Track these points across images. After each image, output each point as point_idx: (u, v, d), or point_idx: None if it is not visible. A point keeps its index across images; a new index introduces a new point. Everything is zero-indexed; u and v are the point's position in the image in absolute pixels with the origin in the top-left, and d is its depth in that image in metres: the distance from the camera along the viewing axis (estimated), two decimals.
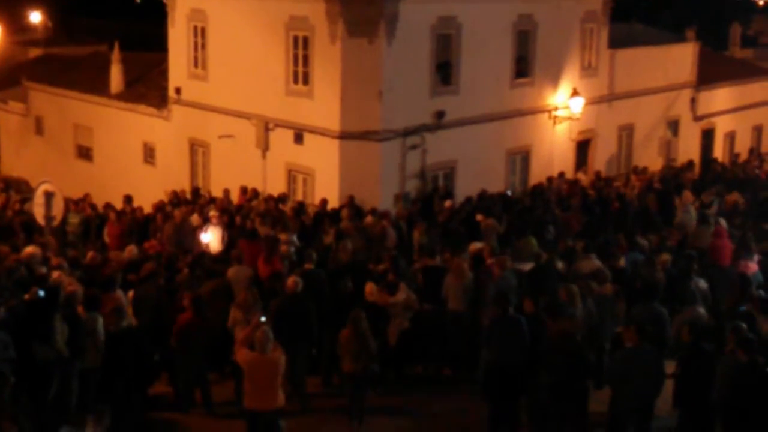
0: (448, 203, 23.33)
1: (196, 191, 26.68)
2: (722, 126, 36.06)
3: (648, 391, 11.85)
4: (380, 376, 14.41)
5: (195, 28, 28.22)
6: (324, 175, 24.57)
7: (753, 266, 18.08)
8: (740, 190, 25.47)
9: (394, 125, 24.08)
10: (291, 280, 14.84)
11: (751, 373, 10.75)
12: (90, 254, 18.03)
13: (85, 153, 33.37)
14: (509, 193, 26.30)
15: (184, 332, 14.19)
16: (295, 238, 19.67)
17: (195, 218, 22.24)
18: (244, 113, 26.32)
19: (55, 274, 15.21)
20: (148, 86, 31.31)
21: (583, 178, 28.59)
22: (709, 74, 34.70)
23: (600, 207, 23.99)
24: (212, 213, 21.86)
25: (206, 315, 14.51)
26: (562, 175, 27.77)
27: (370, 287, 15.28)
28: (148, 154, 30.64)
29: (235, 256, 17.36)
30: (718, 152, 35.39)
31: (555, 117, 28.55)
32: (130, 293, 15.44)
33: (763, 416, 10.65)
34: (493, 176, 26.74)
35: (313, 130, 24.66)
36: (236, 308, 14.40)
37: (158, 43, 30.79)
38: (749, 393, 10.63)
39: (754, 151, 35.02)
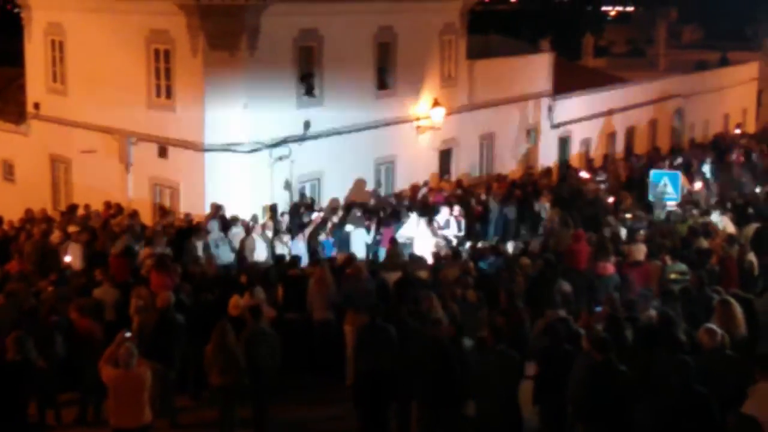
0: (315, 216, 23.49)
1: (72, 208, 25.95)
2: (578, 133, 37.23)
3: (503, 392, 12.18)
4: (250, 389, 14.45)
5: (53, 42, 27.76)
6: (190, 189, 24.43)
7: (610, 267, 18.73)
8: (567, 205, 25.58)
9: (260, 137, 24.14)
10: (163, 296, 14.77)
11: (604, 371, 11.17)
12: None
13: None
14: (378, 189, 26.58)
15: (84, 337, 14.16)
16: (159, 250, 19.55)
17: (56, 235, 21.83)
18: (106, 128, 25.96)
19: None
20: (5, 101, 30.51)
21: (447, 187, 29.16)
22: (564, 83, 35.82)
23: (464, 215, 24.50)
24: (71, 229, 21.49)
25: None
26: (426, 184, 28.26)
27: (234, 300, 15.32)
28: (7, 171, 29.90)
29: (102, 276, 17.13)
30: (575, 159, 36.53)
31: (418, 127, 29.07)
32: None
33: (617, 413, 11.09)
34: (360, 186, 27.04)
35: (178, 144, 24.52)
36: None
37: (15, 58, 30.06)
38: (603, 391, 11.05)
39: (609, 157, 36.28)
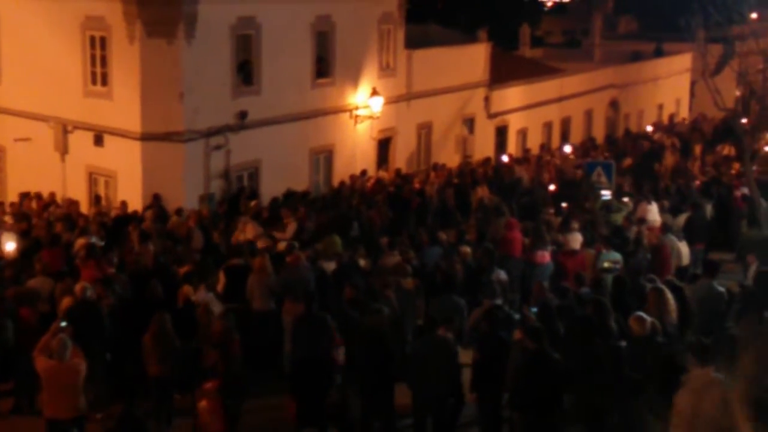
0: (253, 203, 23.46)
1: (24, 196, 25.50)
2: (515, 123, 37.53)
3: (439, 379, 12.32)
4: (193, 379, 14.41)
5: None
6: (126, 178, 24.22)
7: (546, 256, 18.99)
8: (504, 194, 25.89)
9: (197, 126, 24.00)
10: (79, 287, 14.68)
11: (538, 360, 11.35)
12: None
13: None
14: None
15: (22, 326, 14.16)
16: (95, 239, 19.36)
17: None
18: (41, 115, 25.61)
19: None
20: None
21: (385, 176, 29.27)
22: (501, 73, 36.07)
23: (401, 204, 24.64)
24: (6, 219, 21.19)
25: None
26: (364, 173, 28.34)
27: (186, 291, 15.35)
28: None
29: (37, 267, 16.94)
30: (512, 148, 36.79)
31: (356, 116, 29.10)
32: None
33: (549, 400, 11.29)
34: (297, 175, 27.02)
35: (114, 132, 24.28)
36: None
37: None
38: (537, 380, 11.24)
39: (545, 147, 36.66)
